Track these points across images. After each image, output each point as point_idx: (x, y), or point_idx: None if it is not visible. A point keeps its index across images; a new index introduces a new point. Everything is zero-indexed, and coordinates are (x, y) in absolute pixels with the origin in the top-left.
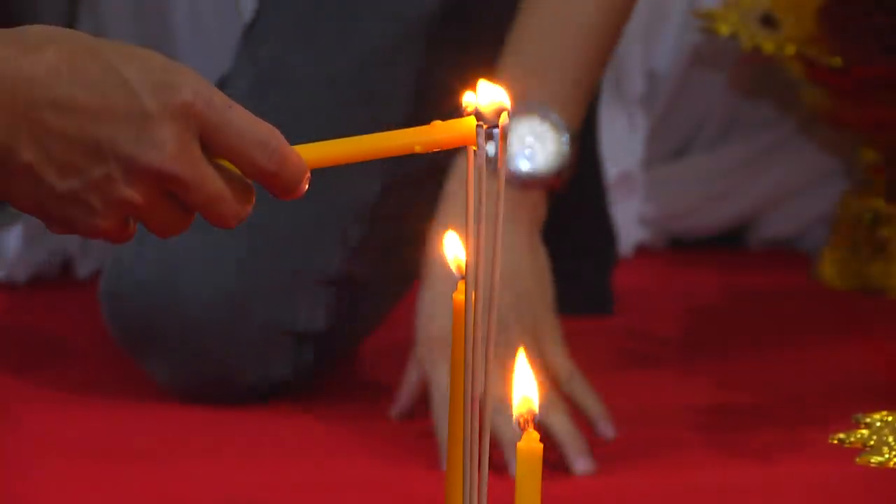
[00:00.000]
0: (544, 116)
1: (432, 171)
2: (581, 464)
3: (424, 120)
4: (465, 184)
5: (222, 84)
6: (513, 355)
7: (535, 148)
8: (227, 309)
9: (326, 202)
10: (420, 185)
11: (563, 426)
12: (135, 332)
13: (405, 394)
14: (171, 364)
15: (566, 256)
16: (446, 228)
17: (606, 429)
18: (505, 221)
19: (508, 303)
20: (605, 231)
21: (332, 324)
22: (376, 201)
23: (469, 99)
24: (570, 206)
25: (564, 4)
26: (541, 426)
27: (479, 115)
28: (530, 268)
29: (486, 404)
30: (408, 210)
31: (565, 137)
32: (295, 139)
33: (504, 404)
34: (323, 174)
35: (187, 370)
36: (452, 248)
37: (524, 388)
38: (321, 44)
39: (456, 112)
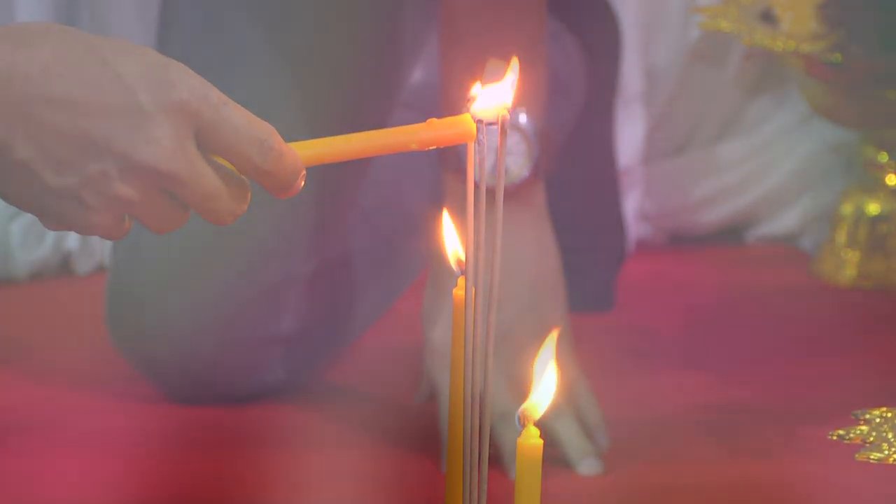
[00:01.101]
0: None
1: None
2: (585, 466)
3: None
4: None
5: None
6: (517, 360)
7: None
8: (213, 323)
9: (297, 196)
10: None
11: (568, 430)
12: (131, 349)
13: (424, 385)
14: (167, 379)
15: (574, 253)
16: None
17: (601, 439)
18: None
19: (511, 302)
20: (615, 230)
21: (320, 321)
22: (347, 183)
23: (469, 94)
24: (581, 203)
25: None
26: (546, 431)
27: (477, 113)
28: (535, 261)
29: (486, 403)
30: (385, 184)
31: (531, 132)
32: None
33: (509, 414)
34: None
35: (183, 385)
36: (452, 245)
37: (536, 397)
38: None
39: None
